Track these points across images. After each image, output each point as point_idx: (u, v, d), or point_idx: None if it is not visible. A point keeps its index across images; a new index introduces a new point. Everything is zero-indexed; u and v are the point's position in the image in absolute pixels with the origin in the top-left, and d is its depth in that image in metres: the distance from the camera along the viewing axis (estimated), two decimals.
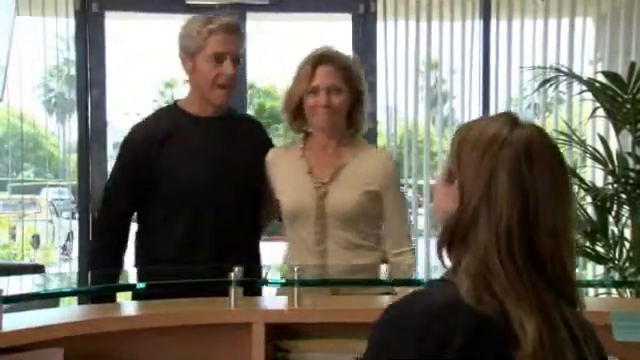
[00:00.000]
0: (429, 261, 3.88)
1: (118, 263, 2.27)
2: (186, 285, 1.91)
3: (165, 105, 2.55)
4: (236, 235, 2.24)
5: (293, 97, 2.22)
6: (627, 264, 3.27)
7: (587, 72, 4.04)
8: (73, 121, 4.14)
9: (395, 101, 4.15)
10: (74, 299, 2.76)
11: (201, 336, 1.71)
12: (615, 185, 3.36)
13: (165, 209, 2.24)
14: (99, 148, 4.03)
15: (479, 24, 4.14)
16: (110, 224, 2.29)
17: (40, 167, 7.55)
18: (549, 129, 3.77)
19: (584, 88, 3.48)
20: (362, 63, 2.36)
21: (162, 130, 2.25)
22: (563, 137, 3.47)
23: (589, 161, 3.68)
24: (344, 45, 2.31)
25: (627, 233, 3.35)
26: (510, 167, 1.06)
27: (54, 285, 2.28)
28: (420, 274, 2.38)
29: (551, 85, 3.55)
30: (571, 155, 3.80)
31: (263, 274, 2.01)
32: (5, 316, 1.50)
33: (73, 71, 4.08)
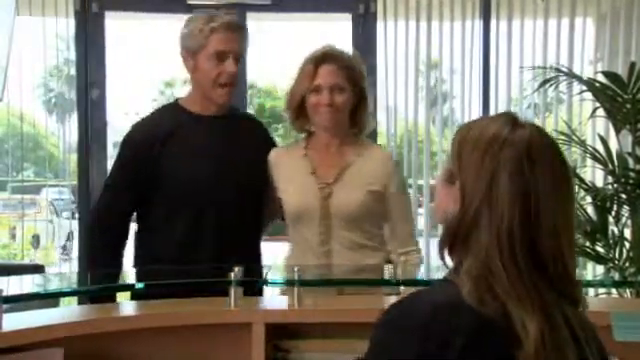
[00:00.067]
0: (429, 261, 3.88)
1: (118, 263, 2.26)
2: (186, 285, 1.91)
3: (166, 103, 2.53)
4: (238, 234, 2.23)
5: (295, 96, 2.21)
6: (627, 264, 3.27)
7: (587, 72, 4.04)
8: (73, 121, 4.14)
9: (395, 101, 4.15)
10: (74, 299, 2.76)
11: (201, 336, 1.71)
12: (615, 185, 3.36)
13: (167, 208, 2.23)
14: (99, 148, 4.03)
15: (479, 24, 4.14)
16: (110, 223, 2.27)
17: (40, 167, 7.55)
18: (549, 129, 3.77)
19: (584, 88, 3.48)
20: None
21: (164, 129, 2.24)
22: (563, 137, 3.47)
23: (589, 161, 3.68)
24: (344, 45, 2.31)
25: (627, 233, 3.35)
26: (511, 168, 1.06)
27: (54, 285, 2.28)
28: (420, 274, 2.37)
29: (551, 85, 3.55)
30: (571, 155, 3.80)
31: (264, 274, 2.00)
32: (5, 316, 1.50)
33: (73, 71, 4.08)
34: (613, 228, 3.34)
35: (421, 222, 4.46)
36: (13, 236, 5.78)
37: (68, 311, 2.05)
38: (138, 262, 2.32)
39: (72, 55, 4.07)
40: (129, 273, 2.43)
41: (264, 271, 2.06)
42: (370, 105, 2.28)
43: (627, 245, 3.30)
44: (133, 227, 2.36)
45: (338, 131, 2.23)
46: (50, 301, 2.25)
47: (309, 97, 2.18)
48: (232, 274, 1.69)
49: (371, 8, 4.05)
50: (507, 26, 4.13)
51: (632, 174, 3.29)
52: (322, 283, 2.11)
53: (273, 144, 2.43)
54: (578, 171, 3.53)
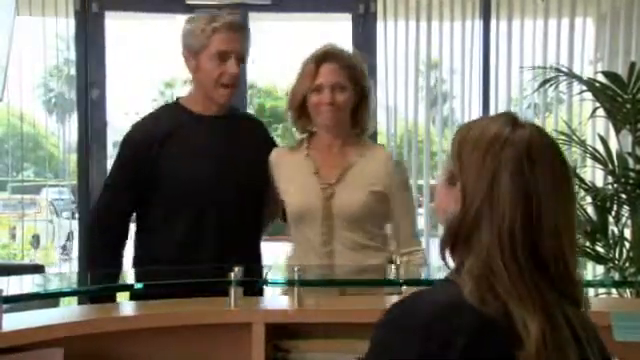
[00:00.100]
0: (429, 261, 3.88)
1: (118, 263, 2.26)
2: (186, 285, 1.91)
3: (166, 103, 2.52)
4: (238, 234, 2.23)
5: (297, 95, 2.20)
6: (627, 264, 3.27)
7: (587, 72, 4.04)
8: (73, 121, 4.14)
9: (395, 101, 4.15)
10: (74, 299, 2.76)
11: (201, 336, 1.71)
12: (615, 185, 3.36)
13: (167, 208, 2.22)
14: (99, 148, 4.03)
15: (479, 24, 4.14)
16: (110, 223, 2.26)
17: (40, 167, 7.55)
18: (549, 129, 3.77)
19: (584, 88, 3.48)
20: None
21: (165, 129, 2.23)
22: (563, 137, 3.47)
23: (589, 161, 3.68)
24: (344, 45, 2.32)
25: (627, 233, 3.35)
26: (512, 168, 1.06)
27: (54, 285, 2.28)
28: (422, 274, 2.36)
29: (551, 85, 3.55)
30: (571, 155, 3.80)
31: (264, 274, 2.00)
32: (5, 316, 1.50)
33: (73, 71, 4.08)
34: (613, 228, 3.34)
35: (421, 222, 4.46)
36: (13, 236, 5.77)
37: (68, 311, 2.05)
38: (137, 262, 2.31)
39: (72, 55, 4.07)
40: (128, 273, 2.43)
41: (264, 271, 2.06)
42: (372, 105, 2.27)
43: (627, 245, 3.30)
44: (132, 227, 2.35)
45: (340, 131, 2.22)
46: (50, 301, 2.25)
47: (310, 96, 2.17)
48: (232, 274, 1.69)
49: (371, 8, 4.05)
50: (507, 26, 4.13)
51: (632, 174, 3.29)
52: (323, 283, 2.11)
53: (273, 144, 2.43)
54: (578, 171, 3.53)
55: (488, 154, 1.08)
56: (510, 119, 1.13)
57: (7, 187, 5.87)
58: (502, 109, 4.14)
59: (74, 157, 4.14)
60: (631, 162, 3.33)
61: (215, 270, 1.98)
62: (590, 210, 3.42)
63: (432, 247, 3.79)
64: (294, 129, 2.33)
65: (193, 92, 2.32)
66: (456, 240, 1.11)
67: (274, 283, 1.97)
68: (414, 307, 1.07)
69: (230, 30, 2.20)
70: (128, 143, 2.26)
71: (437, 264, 2.15)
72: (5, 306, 1.51)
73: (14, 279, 2.04)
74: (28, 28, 4.05)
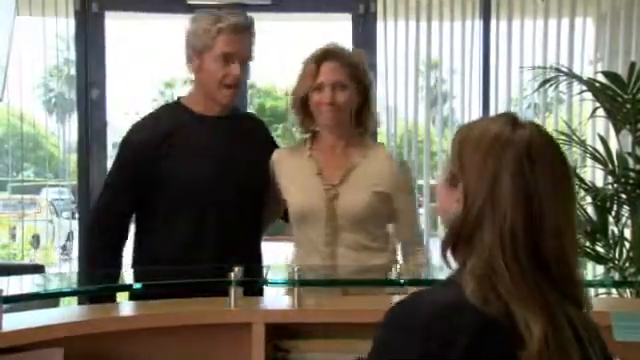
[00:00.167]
0: (430, 261, 3.88)
1: (117, 263, 2.25)
2: (185, 285, 1.91)
3: (167, 103, 2.51)
4: (240, 234, 2.22)
5: (298, 95, 2.19)
6: (627, 264, 3.27)
7: (587, 72, 4.04)
8: (73, 121, 4.14)
9: (395, 101, 4.15)
10: (74, 299, 2.75)
11: (201, 336, 1.71)
12: (615, 185, 3.36)
13: (168, 209, 2.21)
14: (99, 148, 4.03)
15: (479, 24, 4.14)
16: (110, 223, 2.26)
17: (40, 167, 7.55)
18: (549, 129, 3.76)
19: (584, 88, 3.48)
20: None
21: (166, 129, 2.22)
22: (563, 137, 3.47)
23: (589, 161, 3.68)
24: (344, 45, 2.33)
25: (627, 233, 3.35)
26: (513, 168, 1.06)
27: (54, 285, 2.28)
28: (424, 274, 2.36)
29: (551, 85, 3.55)
30: (571, 155, 3.80)
31: (264, 274, 2.00)
32: (5, 316, 1.50)
33: (73, 71, 4.08)
34: (613, 228, 3.34)
35: (421, 222, 4.45)
36: (13, 236, 5.78)
37: (68, 311, 2.05)
38: (137, 262, 2.30)
39: (72, 55, 4.07)
40: (128, 273, 2.42)
41: (264, 271, 2.05)
42: (374, 104, 2.26)
43: (627, 245, 3.30)
44: (132, 228, 2.35)
45: (342, 131, 2.20)
46: (50, 301, 2.24)
47: (312, 96, 2.16)
48: (232, 274, 1.69)
49: (371, 8, 4.05)
50: (507, 26, 4.13)
51: (632, 174, 3.29)
52: (323, 283, 2.11)
53: (274, 144, 2.42)
54: (578, 171, 3.53)
55: (489, 155, 1.08)
56: (510, 119, 1.13)
57: (7, 187, 5.87)
58: (502, 109, 4.14)
59: (74, 157, 4.14)
60: (631, 162, 3.33)
61: (215, 270, 1.98)
62: (590, 210, 3.42)
63: (432, 247, 3.79)
64: (294, 129, 2.32)
65: (194, 92, 2.31)
66: (458, 240, 1.11)
67: (274, 283, 1.97)
68: (415, 307, 1.07)
69: (235, 32, 2.18)
70: (128, 144, 2.25)
71: (438, 264, 2.15)
72: (5, 306, 1.51)
73: (14, 279, 2.04)
74: (28, 28, 4.05)
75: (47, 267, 4.11)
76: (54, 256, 5.59)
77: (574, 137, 3.47)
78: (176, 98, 2.41)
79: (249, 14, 2.33)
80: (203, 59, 2.20)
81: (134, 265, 2.31)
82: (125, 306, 1.93)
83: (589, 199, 3.39)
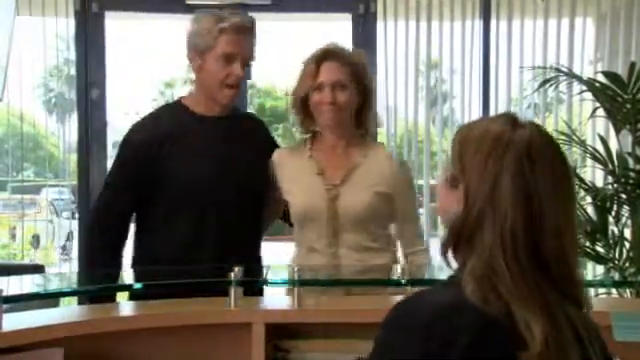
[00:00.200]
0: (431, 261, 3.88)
1: (117, 262, 2.25)
2: (185, 285, 1.91)
3: (167, 103, 2.51)
4: (240, 235, 2.22)
5: (299, 95, 2.19)
6: (627, 264, 3.27)
7: (587, 72, 4.04)
8: (73, 121, 4.14)
9: (395, 101, 4.15)
10: (74, 299, 2.75)
11: (201, 336, 1.71)
12: (615, 185, 3.36)
13: (169, 209, 2.21)
14: (99, 148, 4.03)
15: (479, 24, 4.14)
16: (110, 223, 2.25)
17: (40, 167, 7.56)
18: (549, 129, 3.76)
19: (584, 88, 3.48)
20: None
21: (166, 129, 2.21)
22: (563, 137, 3.47)
23: (589, 161, 3.68)
24: (344, 45, 2.33)
25: (627, 233, 3.35)
26: (513, 169, 1.06)
27: (54, 285, 2.28)
28: (424, 274, 2.36)
29: (551, 85, 3.55)
30: (571, 155, 3.80)
31: (263, 274, 2.00)
32: (5, 316, 1.50)
33: (73, 71, 4.08)
34: (613, 228, 3.34)
35: (421, 222, 4.46)
36: (13, 236, 5.78)
37: (68, 311, 2.05)
38: (137, 262, 2.30)
39: (72, 55, 4.07)
40: (128, 273, 2.42)
41: (264, 271, 2.05)
42: (374, 105, 2.25)
43: (627, 245, 3.30)
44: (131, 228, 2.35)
45: (343, 131, 2.20)
46: (50, 301, 2.24)
47: (312, 96, 2.15)
48: (232, 274, 1.69)
49: (371, 8, 4.05)
50: (507, 26, 4.13)
51: (632, 174, 3.29)
52: (323, 283, 2.11)
53: (274, 143, 2.43)
54: (578, 171, 3.53)
55: (490, 157, 1.08)
56: (510, 119, 1.13)
57: (7, 187, 5.88)
58: (502, 109, 4.14)
59: (74, 157, 4.14)
60: (631, 162, 3.33)
61: (215, 270, 1.98)
62: (590, 210, 3.42)
63: (432, 247, 3.79)
64: (294, 129, 2.32)
65: (195, 92, 2.30)
66: (458, 241, 1.11)
67: (274, 283, 1.97)
68: (415, 307, 1.07)
69: (237, 32, 2.17)
70: (128, 143, 2.25)
71: (439, 264, 2.15)
72: (5, 306, 1.51)
73: (14, 279, 2.04)
74: (28, 28, 4.05)
75: (47, 267, 4.12)
76: (54, 256, 5.60)
77: (574, 137, 3.47)
78: (177, 98, 2.41)
79: (250, 14, 2.33)
80: (205, 59, 2.19)
81: (134, 265, 2.30)
82: (125, 306, 1.93)
83: (589, 199, 3.39)
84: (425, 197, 4.25)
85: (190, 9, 3.87)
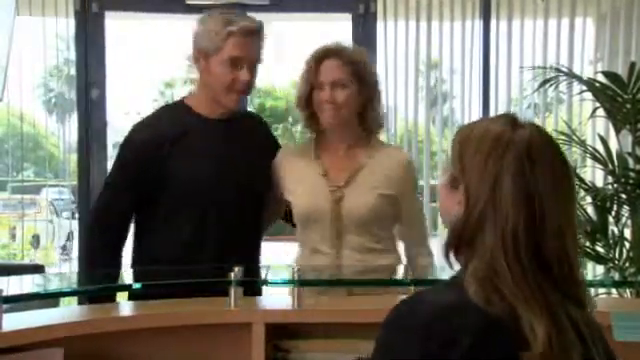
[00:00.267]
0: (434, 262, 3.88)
1: (117, 262, 2.24)
2: (185, 285, 1.91)
3: (169, 103, 2.49)
4: (242, 237, 2.22)
5: (301, 94, 2.17)
6: (627, 264, 3.27)
7: (587, 72, 4.04)
8: (73, 121, 4.14)
9: (395, 101, 4.15)
10: (74, 299, 2.76)
11: (201, 336, 1.71)
12: (615, 185, 3.36)
13: (170, 210, 2.20)
14: (99, 148, 4.03)
15: (479, 24, 4.14)
16: (109, 223, 2.24)
17: (40, 167, 7.56)
18: (549, 129, 3.77)
19: (584, 88, 3.48)
20: None
21: (168, 129, 2.19)
22: (563, 137, 3.47)
23: (589, 161, 3.68)
24: (347, 44, 2.34)
25: (627, 233, 3.35)
26: (514, 169, 1.06)
27: (54, 285, 2.28)
28: (428, 275, 2.36)
29: (551, 85, 3.55)
30: (571, 155, 3.80)
31: (263, 274, 2.00)
32: (5, 316, 1.50)
33: (73, 71, 4.08)
34: (613, 228, 3.34)
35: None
36: (13, 236, 5.78)
37: (68, 311, 2.05)
38: (137, 263, 2.29)
39: (72, 55, 4.07)
40: (128, 273, 2.42)
41: (264, 271, 2.05)
42: (379, 104, 2.22)
43: (627, 245, 3.30)
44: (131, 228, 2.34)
45: (346, 131, 2.18)
46: (50, 301, 2.25)
47: (314, 95, 2.14)
48: (232, 274, 1.69)
49: (371, 8, 4.05)
50: (507, 26, 4.13)
51: (632, 174, 3.29)
52: (323, 283, 2.11)
53: (275, 141, 2.42)
54: (578, 171, 3.53)
55: (490, 157, 1.08)
56: (510, 119, 1.13)
57: (7, 187, 5.88)
58: (502, 109, 4.14)
59: (74, 157, 4.14)
60: (631, 162, 3.33)
61: (215, 270, 1.98)
62: (590, 210, 3.42)
63: (433, 247, 3.79)
64: (294, 129, 2.31)
65: (198, 93, 2.28)
66: (460, 242, 1.11)
67: (274, 283, 1.97)
68: (415, 307, 1.07)
69: (245, 35, 2.13)
70: (130, 144, 2.23)
71: (441, 265, 2.14)
72: (5, 306, 1.51)
73: (14, 279, 2.04)
74: (28, 28, 4.06)
75: (47, 267, 4.12)
76: (54, 256, 5.60)
77: (574, 137, 3.47)
78: (178, 98, 2.39)
79: (248, 14, 2.32)
80: (210, 61, 2.16)
81: (134, 265, 2.30)
82: (125, 306, 1.93)
83: (589, 199, 3.39)
84: (425, 197, 4.25)
85: (190, 9, 3.88)
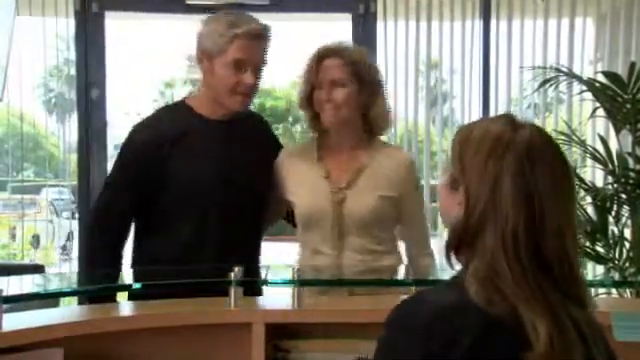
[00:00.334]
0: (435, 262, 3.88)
1: (117, 263, 2.24)
2: (185, 285, 1.91)
3: (167, 104, 2.48)
4: (242, 236, 2.21)
5: (302, 94, 2.17)
6: (627, 264, 3.27)
7: (587, 72, 4.04)
8: (73, 121, 4.14)
9: (395, 101, 4.14)
10: (74, 299, 2.76)
11: (201, 336, 1.71)
12: (615, 185, 3.36)
13: (172, 210, 2.20)
14: (99, 148, 4.03)
15: (479, 24, 4.14)
16: (109, 223, 2.24)
17: (40, 167, 7.55)
18: (549, 129, 3.77)
19: (584, 88, 3.48)
20: None
21: (169, 130, 2.19)
22: (563, 137, 3.47)
23: (589, 161, 3.69)
24: (348, 43, 2.35)
25: (627, 233, 3.35)
26: (514, 170, 1.06)
27: (54, 285, 2.28)
28: (429, 275, 2.36)
29: (551, 85, 3.55)
30: (571, 155, 3.80)
31: (263, 274, 2.00)
32: (5, 316, 1.50)
33: (73, 71, 4.08)
34: (613, 228, 3.34)
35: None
36: (13, 236, 5.78)
37: (68, 311, 2.05)
38: (138, 263, 2.29)
39: (72, 55, 4.07)
40: (128, 273, 2.42)
41: (264, 271, 2.05)
42: (382, 104, 2.20)
43: (627, 245, 3.30)
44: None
45: (348, 131, 2.17)
46: (50, 301, 2.24)
47: (315, 95, 2.14)
48: (232, 274, 1.69)
49: (371, 8, 4.05)
50: (507, 26, 4.13)
51: (632, 174, 3.29)
52: (323, 283, 2.11)
53: (276, 140, 2.42)
54: (578, 171, 3.53)
55: (490, 158, 1.08)
56: (510, 120, 1.13)
57: (7, 187, 5.87)
58: (502, 109, 4.14)
59: (74, 157, 4.14)
60: (631, 162, 3.33)
61: (215, 270, 1.98)
62: (590, 210, 3.42)
63: (433, 247, 3.79)
64: (293, 129, 2.31)
65: (201, 94, 2.26)
66: (460, 243, 1.11)
67: (274, 283, 1.97)
68: (416, 307, 1.08)
69: (250, 38, 2.12)
70: (130, 145, 2.23)
71: (442, 265, 2.14)
72: (5, 306, 1.51)
73: (14, 279, 2.04)
74: (28, 28, 4.06)
75: (47, 267, 4.12)
76: (54, 256, 5.60)
77: (574, 137, 3.47)
78: (179, 99, 2.38)
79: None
80: (214, 63, 2.14)
81: (134, 266, 2.29)
82: (125, 306, 1.93)
83: (589, 199, 3.39)
84: (425, 197, 4.25)
85: (190, 9, 3.88)
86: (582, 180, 3.43)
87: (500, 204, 1.06)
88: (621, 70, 3.66)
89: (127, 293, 2.14)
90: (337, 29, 4.31)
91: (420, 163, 4.25)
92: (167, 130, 2.20)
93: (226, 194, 2.19)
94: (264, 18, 2.23)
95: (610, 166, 3.37)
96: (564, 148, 3.45)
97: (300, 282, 1.72)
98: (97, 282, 2.08)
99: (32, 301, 1.94)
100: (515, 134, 1.09)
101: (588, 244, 3.32)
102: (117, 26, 4.32)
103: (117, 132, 4.23)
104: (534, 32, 4.15)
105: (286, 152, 2.29)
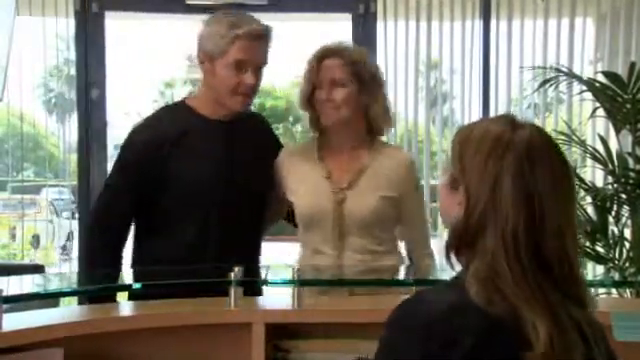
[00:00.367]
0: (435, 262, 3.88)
1: (117, 263, 2.24)
2: (185, 285, 1.91)
3: (167, 104, 2.48)
4: (243, 236, 2.21)
5: (303, 94, 2.17)
6: (627, 264, 3.27)
7: (587, 72, 4.04)
8: (73, 121, 4.14)
9: (395, 101, 4.14)
10: (74, 299, 2.75)
11: (201, 336, 1.71)
12: (615, 185, 3.37)
13: (171, 211, 2.19)
14: (99, 148, 4.03)
15: (479, 24, 4.14)
16: (109, 223, 2.23)
17: (40, 167, 7.55)
18: (549, 129, 3.77)
19: (584, 88, 3.48)
20: None
21: (169, 130, 2.18)
22: (563, 137, 3.47)
23: (589, 161, 3.69)
24: (349, 44, 2.35)
25: (627, 233, 3.35)
26: (513, 170, 1.06)
27: (54, 285, 2.28)
28: (429, 275, 2.36)
29: (551, 85, 3.56)
30: (571, 155, 3.80)
31: (263, 274, 2.00)
32: (5, 316, 1.50)
33: (73, 71, 4.08)
34: (613, 228, 3.34)
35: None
36: (13, 236, 5.78)
37: (68, 311, 2.05)
38: (138, 264, 2.29)
39: (72, 55, 4.07)
40: (128, 273, 2.42)
41: (263, 271, 2.05)
42: (383, 104, 2.20)
43: (627, 245, 3.30)
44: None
45: (348, 131, 2.17)
46: (50, 301, 2.24)
47: (315, 94, 2.14)
48: (232, 274, 1.69)
49: (371, 8, 4.05)
50: (507, 26, 4.13)
51: (632, 174, 3.29)
52: (323, 283, 2.11)
53: (277, 140, 2.42)
54: (578, 171, 3.53)
55: (490, 158, 1.08)
56: (510, 120, 1.13)
57: (7, 187, 5.88)
58: (502, 109, 4.15)
59: (74, 157, 4.14)
60: (631, 162, 3.33)
61: (215, 270, 1.98)
62: (590, 210, 3.42)
63: (433, 247, 3.79)
64: (294, 129, 2.31)
65: (201, 94, 2.26)
66: (461, 243, 1.11)
67: (274, 283, 1.97)
68: (416, 307, 1.08)
69: (252, 39, 2.11)
70: (130, 145, 2.22)
71: (442, 266, 2.14)
72: (5, 306, 1.51)
73: (14, 279, 2.04)
74: (28, 28, 4.06)
75: (47, 267, 4.12)
76: (54, 256, 5.60)
77: (574, 137, 3.47)
78: (179, 99, 2.38)
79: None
80: (215, 64, 2.14)
81: (134, 266, 2.29)
82: (125, 306, 1.93)
83: (589, 199, 3.39)
84: (425, 197, 4.25)
85: (190, 9, 3.88)
86: (582, 180, 3.43)
87: (500, 204, 1.06)
88: (621, 70, 3.66)
89: (127, 293, 2.14)
90: (337, 29, 4.31)
91: (420, 163, 4.25)
92: (167, 130, 2.19)
93: (227, 194, 2.19)
94: (263, 18, 2.22)
95: (610, 166, 3.37)
96: (564, 148, 3.45)
97: (300, 282, 1.72)
98: (97, 282, 2.08)
99: (32, 301, 1.94)
100: (515, 134, 1.09)
101: (588, 244, 3.32)
102: (117, 26, 4.32)
103: (117, 132, 4.23)
104: (534, 32, 4.15)
105: (287, 152, 2.29)
